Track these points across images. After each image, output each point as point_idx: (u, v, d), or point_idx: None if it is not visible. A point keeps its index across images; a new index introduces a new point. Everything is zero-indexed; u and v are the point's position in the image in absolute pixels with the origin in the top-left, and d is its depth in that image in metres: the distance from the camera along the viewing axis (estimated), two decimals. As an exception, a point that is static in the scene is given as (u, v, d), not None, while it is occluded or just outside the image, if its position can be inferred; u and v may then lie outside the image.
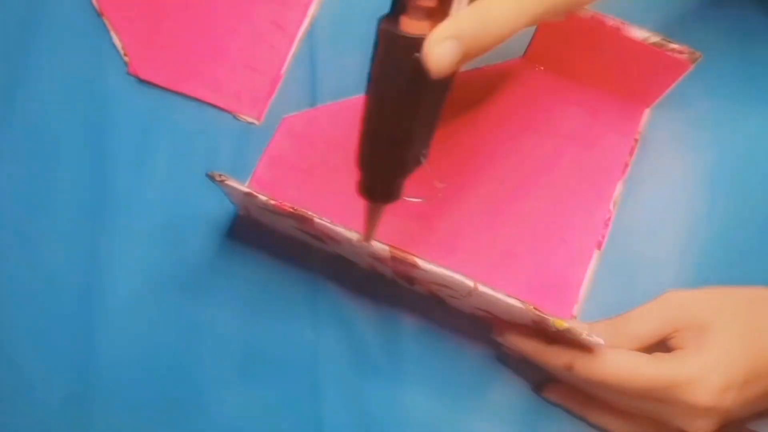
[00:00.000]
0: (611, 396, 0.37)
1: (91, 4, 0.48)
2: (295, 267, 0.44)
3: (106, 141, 0.46)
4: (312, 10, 0.47)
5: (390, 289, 0.43)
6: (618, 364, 0.35)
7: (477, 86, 0.45)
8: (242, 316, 0.43)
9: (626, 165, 0.44)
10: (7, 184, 0.46)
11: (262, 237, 0.44)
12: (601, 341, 0.35)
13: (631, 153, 0.44)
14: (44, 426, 0.42)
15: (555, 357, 0.36)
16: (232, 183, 0.38)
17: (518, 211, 0.43)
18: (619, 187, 0.44)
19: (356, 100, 0.45)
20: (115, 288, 0.44)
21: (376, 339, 0.42)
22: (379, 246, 0.37)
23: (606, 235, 0.43)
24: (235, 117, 0.46)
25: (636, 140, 0.44)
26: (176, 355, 0.43)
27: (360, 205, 0.35)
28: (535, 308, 0.35)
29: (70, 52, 0.47)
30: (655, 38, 0.39)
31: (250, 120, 0.46)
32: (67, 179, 0.45)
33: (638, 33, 0.39)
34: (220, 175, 0.37)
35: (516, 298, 0.35)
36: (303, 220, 0.38)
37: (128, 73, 0.47)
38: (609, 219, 0.43)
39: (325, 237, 0.40)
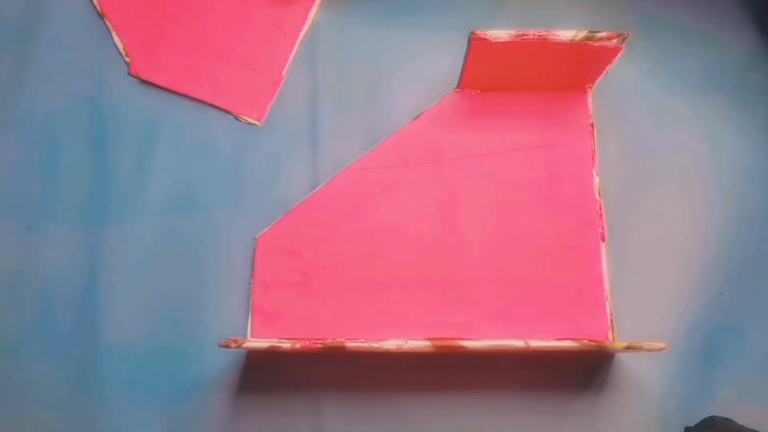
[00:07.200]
0: None
1: (93, 5, 0.48)
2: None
3: (108, 140, 0.46)
4: (313, 12, 0.48)
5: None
6: None
7: (427, 132, 0.45)
8: None
9: (593, 150, 0.44)
10: (10, 183, 0.45)
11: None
12: (663, 344, 0.36)
13: (591, 137, 0.44)
14: (45, 420, 0.42)
15: None
16: (251, 344, 0.37)
17: (516, 240, 0.42)
18: (596, 176, 0.44)
19: (316, 195, 0.44)
20: (115, 285, 0.44)
21: None
22: (420, 344, 0.37)
23: (605, 226, 0.43)
24: (236, 118, 0.46)
25: (591, 124, 0.44)
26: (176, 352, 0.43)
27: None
28: (589, 341, 0.37)
29: (71, 52, 0.47)
30: (582, 34, 0.40)
31: (251, 121, 0.46)
32: (68, 179, 0.45)
33: (564, 34, 0.40)
34: (235, 341, 0.37)
35: (569, 339, 0.37)
36: (334, 348, 0.38)
37: (129, 74, 0.47)
38: (601, 207, 0.43)
39: (352, 351, 0.39)
